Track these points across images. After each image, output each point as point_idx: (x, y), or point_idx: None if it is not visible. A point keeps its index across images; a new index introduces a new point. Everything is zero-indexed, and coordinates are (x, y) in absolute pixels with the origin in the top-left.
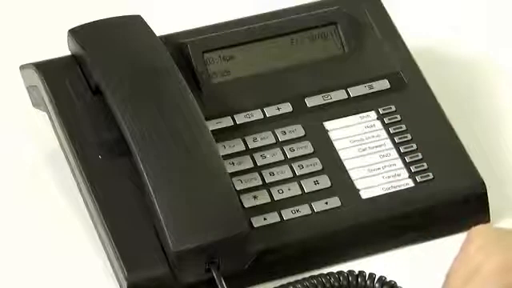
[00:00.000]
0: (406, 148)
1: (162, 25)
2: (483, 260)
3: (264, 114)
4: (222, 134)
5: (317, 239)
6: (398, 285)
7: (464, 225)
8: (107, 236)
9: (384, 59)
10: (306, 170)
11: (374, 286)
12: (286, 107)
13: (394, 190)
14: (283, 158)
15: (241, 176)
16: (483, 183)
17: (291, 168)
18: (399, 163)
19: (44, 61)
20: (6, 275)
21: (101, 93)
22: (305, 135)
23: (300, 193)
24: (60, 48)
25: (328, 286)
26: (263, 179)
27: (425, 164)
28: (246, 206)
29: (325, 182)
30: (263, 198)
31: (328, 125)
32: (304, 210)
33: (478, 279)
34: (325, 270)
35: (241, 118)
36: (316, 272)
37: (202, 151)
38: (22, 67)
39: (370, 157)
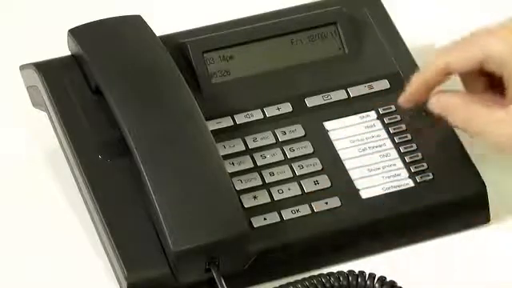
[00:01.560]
0: (405, 148)
1: (162, 25)
2: None
3: (264, 114)
4: (222, 134)
5: (317, 239)
6: (398, 285)
7: (464, 225)
8: (107, 236)
9: (384, 59)
10: (306, 170)
11: (374, 286)
12: (286, 107)
13: (394, 189)
14: (283, 158)
15: (241, 176)
16: (483, 183)
17: (291, 168)
18: (399, 163)
19: (44, 61)
20: (7, 275)
21: (101, 93)
22: (305, 135)
23: (300, 193)
24: (60, 48)
25: (328, 286)
26: (263, 179)
27: (425, 164)
28: (245, 206)
29: (325, 182)
30: (263, 197)
31: (328, 125)
32: (304, 210)
33: None
34: (325, 270)
35: (241, 118)
36: (316, 272)
37: (202, 151)
38: (22, 67)
39: (370, 157)
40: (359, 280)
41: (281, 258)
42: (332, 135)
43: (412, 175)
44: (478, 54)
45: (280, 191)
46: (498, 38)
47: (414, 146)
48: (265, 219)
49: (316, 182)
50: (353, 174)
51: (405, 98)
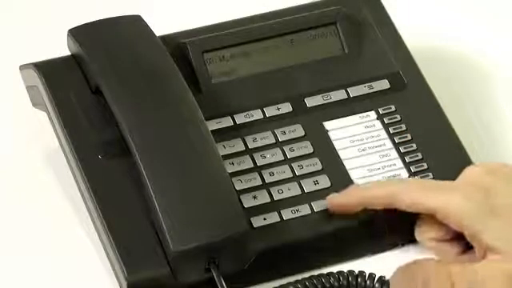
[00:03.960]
0: (405, 148)
1: (162, 25)
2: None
3: (264, 114)
4: (222, 134)
5: (317, 239)
6: None
7: None
8: (107, 236)
9: (384, 59)
10: (305, 170)
11: (374, 286)
12: (286, 107)
13: None
14: (283, 158)
15: (241, 176)
16: None
17: (291, 168)
18: (399, 163)
19: (44, 61)
20: (6, 275)
21: (101, 93)
22: (305, 135)
23: (300, 193)
24: (60, 48)
25: (328, 286)
26: (263, 179)
27: (425, 164)
28: (245, 206)
29: (325, 182)
30: (263, 198)
31: (328, 125)
32: (304, 209)
33: None
34: (325, 270)
35: (241, 118)
36: (316, 272)
37: (202, 151)
38: (22, 67)
39: (370, 157)
40: (359, 280)
41: (281, 257)
42: (332, 135)
43: (412, 175)
44: (434, 206)
45: (280, 191)
46: (461, 196)
47: (414, 146)
48: (265, 219)
49: (316, 182)
50: (353, 174)
51: (336, 204)
